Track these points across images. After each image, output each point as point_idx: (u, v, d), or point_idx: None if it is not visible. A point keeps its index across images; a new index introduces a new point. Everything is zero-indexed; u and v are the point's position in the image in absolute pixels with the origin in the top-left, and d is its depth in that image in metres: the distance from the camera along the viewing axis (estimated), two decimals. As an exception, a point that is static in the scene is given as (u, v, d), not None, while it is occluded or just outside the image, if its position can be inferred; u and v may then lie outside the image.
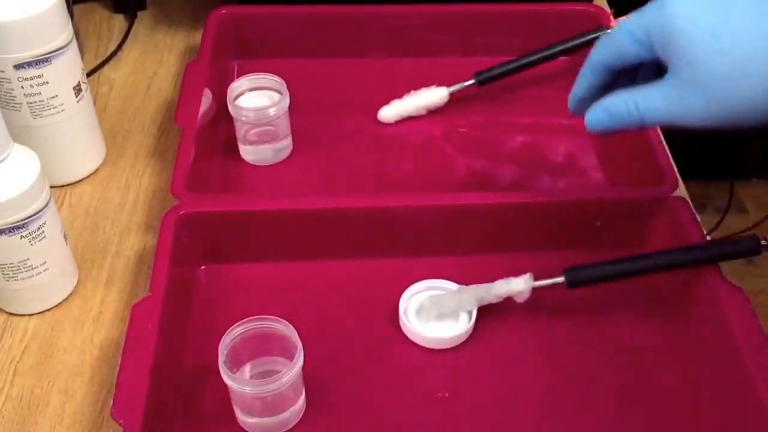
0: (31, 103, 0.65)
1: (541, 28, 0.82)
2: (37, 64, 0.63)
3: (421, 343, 0.59)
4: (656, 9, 0.49)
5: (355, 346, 0.59)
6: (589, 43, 0.75)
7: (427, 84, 0.77)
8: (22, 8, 0.61)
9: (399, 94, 0.77)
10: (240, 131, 0.72)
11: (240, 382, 0.52)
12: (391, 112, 0.76)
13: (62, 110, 0.66)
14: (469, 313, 0.60)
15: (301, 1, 0.80)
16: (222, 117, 0.77)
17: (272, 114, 0.70)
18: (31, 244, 0.57)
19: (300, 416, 0.55)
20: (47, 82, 0.64)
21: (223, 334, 0.53)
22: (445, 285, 0.61)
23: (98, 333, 0.60)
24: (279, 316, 0.53)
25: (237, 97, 0.72)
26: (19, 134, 0.60)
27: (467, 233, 0.64)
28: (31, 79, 0.63)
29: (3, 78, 0.63)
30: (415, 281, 0.61)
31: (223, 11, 0.80)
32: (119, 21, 0.90)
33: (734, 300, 0.56)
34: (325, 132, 0.76)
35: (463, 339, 0.59)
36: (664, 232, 0.64)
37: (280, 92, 0.72)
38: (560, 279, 0.58)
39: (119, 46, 0.86)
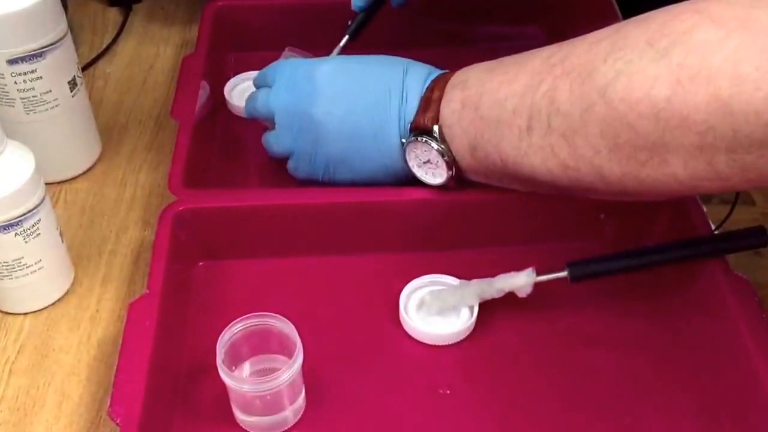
0: (24, 98, 0.64)
1: (540, 16, 0.82)
2: (30, 58, 0.62)
3: (422, 339, 0.59)
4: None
5: (356, 342, 0.59)
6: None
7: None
8: (15, 1, 0.60)
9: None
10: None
11: (238, 381, 0.51)
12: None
13: (57, 105, 0.66)
14: (471, 309, 0.59)
15: (298, -8, 0.80)
16: (220, 111, 0.76)
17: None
18: (26, 242, 0.57)
19: (300, 415, 0.54)
20: (41, 77, 0.63)
21: (221, 332, 0.52)
22: (446, 280, 0.61)
23: (95, 332, 0.60)
24: (278, 313, 0.53)
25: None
26: (13, 130, 0.59)
27: (468, 227, 0.63)
28: (25, 74, 0.62)
29: (-4, 73, 0.62)
30: (416, 276, 0.61)
31: (220, 3, 0.79)
32: (114, 14, 0.89)
33: (741, 292, 0.56)
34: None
35: (465, 335, 0.59)
36: (669, 224, 0.63)
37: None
38: (563, 273, 0.57)
39: (114, 40, 0.85)
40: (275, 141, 0.65)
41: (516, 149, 0.54)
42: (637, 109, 0.47)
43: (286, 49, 0.71)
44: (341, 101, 0.61)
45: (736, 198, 0.62)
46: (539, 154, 0.53)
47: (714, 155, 0.46)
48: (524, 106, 0.53)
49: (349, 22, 0.73)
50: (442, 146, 0.58)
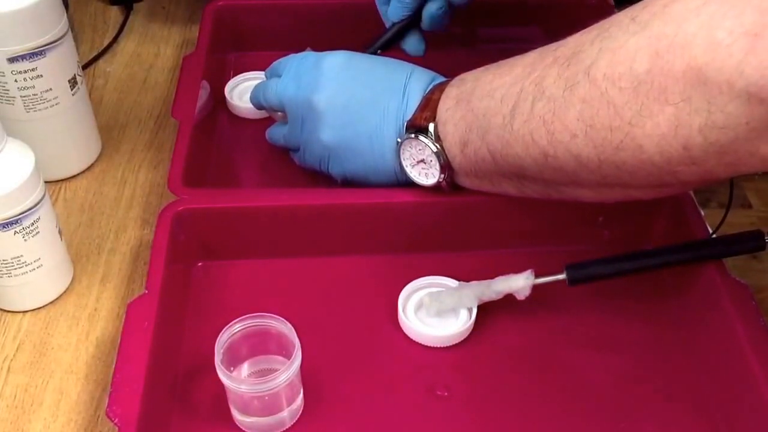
0: (24, 96, 0.64)
1: (542, 18, 0.82)
2: (31, 57, 0.62)
3: (421, 341, 0.59)
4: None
5: (354, 343, 0.59)
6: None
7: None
8: (16, 0, 0.60)
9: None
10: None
11: (237, 381, 0.51)
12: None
13: (57, 104, 0.66)
14: (469, 310, 0.59)
15: (299, -8, 0.80)
16: (220, 111, 0.76)
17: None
18: (25, 240, 0.57)
19: (298, 415, 0.54)
20: (41, 76, 0.63)
21: (219, 332, 0.52)
22: (445, 282, 0.61)
23: (93, 330, 0.60)
24: (277, 314, 0.53)
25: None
26: (12, 128, 0.59)
27: (468, 229, 0.63)
28: (25, 72, 0.62)
29: (-4, 71, 0.62)
30: (415, 278, 0.61)
31: (220, 3, 0.79)
32: (115, 13, 0.89)
33: (738, 296, 0.56)
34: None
35: (463, 336, 0.59)
36: (667, 227, 0.63)
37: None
38: (562, 276, 0.57)
39: (115, 39, 0.85)
40: (284, 131, 0.65)
41: (500, 138, 0.54)
42: (618, 84, 0.46)
43: (308, 49, 0.71)
44: (342, 93, 0.61)
45: (730, 200, 0.62)
46: (520, 143, 0.53)
47: (689, 136, 0.45)
48: (512, 94, 0.53)
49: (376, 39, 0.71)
50: (437, 145, 0.58)
